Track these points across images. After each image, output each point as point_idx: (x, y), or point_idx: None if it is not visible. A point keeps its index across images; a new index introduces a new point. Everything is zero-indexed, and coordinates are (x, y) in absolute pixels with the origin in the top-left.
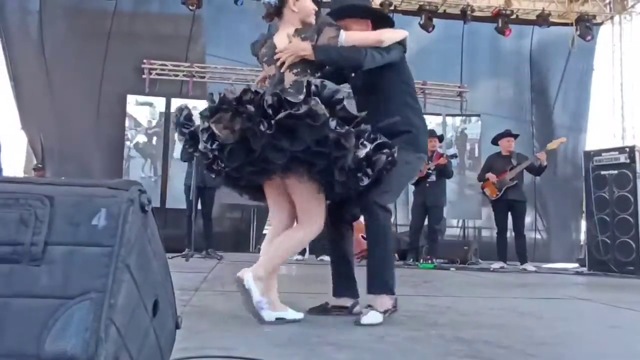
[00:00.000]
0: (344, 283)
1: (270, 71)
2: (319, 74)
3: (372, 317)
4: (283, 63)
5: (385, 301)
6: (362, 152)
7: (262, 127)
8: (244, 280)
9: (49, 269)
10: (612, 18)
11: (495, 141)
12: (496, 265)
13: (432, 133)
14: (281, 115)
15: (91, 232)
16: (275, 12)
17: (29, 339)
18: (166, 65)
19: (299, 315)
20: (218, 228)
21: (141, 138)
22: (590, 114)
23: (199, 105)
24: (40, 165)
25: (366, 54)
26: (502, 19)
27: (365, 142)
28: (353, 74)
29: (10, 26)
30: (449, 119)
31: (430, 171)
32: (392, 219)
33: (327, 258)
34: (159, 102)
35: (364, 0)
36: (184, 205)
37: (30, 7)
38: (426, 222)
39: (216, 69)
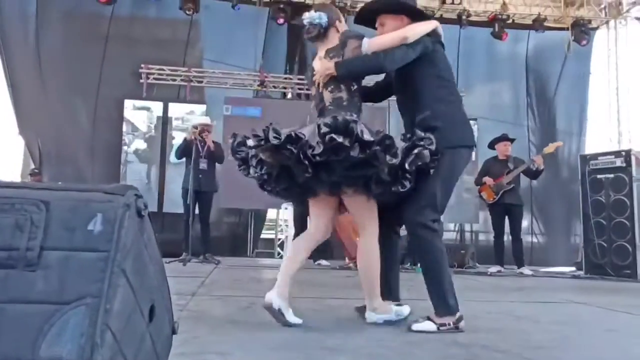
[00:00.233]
0: (385, 287)
1: (313, 92)
2: (355, 86)
3: (425, 325)
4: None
5: (445, 318)
6: (394, 162)
7: (302, 169)
8: (375, 321)
9: (45, 274)
10: (607, 23)
11: (492, 145)
12: (493, 269)
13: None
14: (316, 159)
15: (87, 237)
16: (324, 34)
17: (24, 344)
18: (164, 70)
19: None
20: (215, 232)
21: (139, 143)
22: (588, 117)
23: (196, 110)
24: (37, 170)
25: (385, 57)
26: (498, 24)
27: (396, 153)
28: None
29: (8, 30)
30: None
31: None
32: None
33: (324, 262)
34: (157, 107)
35: None
36: (181, 210)
37: (28, 11)
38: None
39: (214, 74)
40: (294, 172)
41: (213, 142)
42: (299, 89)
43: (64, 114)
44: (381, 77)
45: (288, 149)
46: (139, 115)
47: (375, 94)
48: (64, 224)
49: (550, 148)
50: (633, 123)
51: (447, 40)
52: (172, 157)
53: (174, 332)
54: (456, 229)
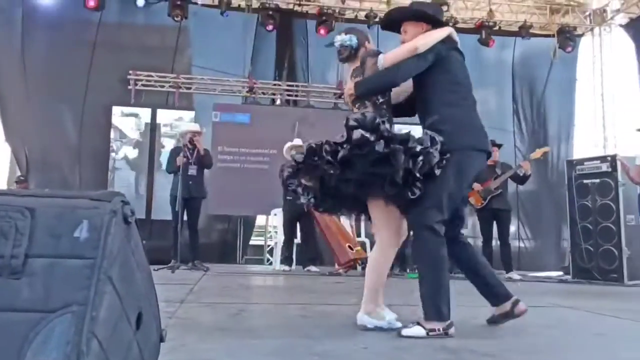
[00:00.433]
0: (489, 292)
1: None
2: (380, 100)
3: (414, 330)
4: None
5: (434, 324)
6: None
7: (330, 169)
8: (366, 324)
9: (30, 282)
10: (592, 30)
11: None
12: None
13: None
14: (340, 154)
15: (73, 244)
16: (354, 55)
17: (9, 353)
18: (152, 76)
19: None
20: (204, 239)
21: (127, 149)
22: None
23: (185, 116)
24: (22, 178)
25: (396, 71)
26: (485, 31)
27: (415, 159)
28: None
29: None
30: None
31: None
32: None
33: (314, 268)
34: (145, 113)
35: (428, 3)
36: (169, 217)
37: (14, 17)
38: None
39: (202, 80)
40: (327, 182)
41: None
42: (288, 95)
43: (50, 121)
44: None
45: (314, 161)
46: (127, 121)
47: (406, 108)
48: (49, 231)
49: (537, 154)
50: (618, 128)
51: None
52: (162, 164)
53: (161, 339)
54: None
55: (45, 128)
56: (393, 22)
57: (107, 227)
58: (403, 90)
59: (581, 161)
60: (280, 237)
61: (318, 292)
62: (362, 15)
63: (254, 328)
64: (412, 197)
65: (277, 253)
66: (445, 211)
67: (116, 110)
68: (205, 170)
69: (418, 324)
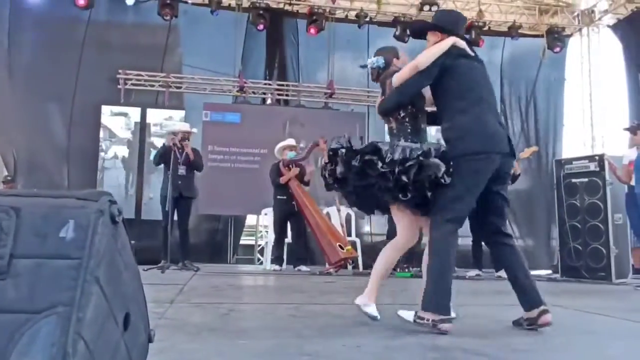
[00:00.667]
0: (521, 296)
1: None
2: (402, 114)
3: (407, 314)
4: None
5: (426, 314)
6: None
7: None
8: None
9: (15, 283)
10: (580, 30)
11: None
12: (472, 273)
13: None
14: (338, 171)
15: (59, 244)
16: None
17: None
18: (142, 76)
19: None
20: (194, 239)
21: (116, 149)
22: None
23: (175, 116)
24: (9, 178)
25: (399, 91)
26: (474, 31)
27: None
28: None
29: None
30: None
31: None
32: (368, 229)
33: (304, 268)
34: (134, 113)
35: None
36: (159, 217)
37: (1, 15)
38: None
39: (192, 80)
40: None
41: (192, 149)
42: (278, 94)
43: (38, 121)
44: None
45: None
46: (117, 121)
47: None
48: (35, 231)
49: (526, 153)
50: (606, 128)
51: (423, 47)
52: (151, 163)
53: (150, 340)
54: None
55: (33, 128)
56: (418, 32)
57: (94, 227)
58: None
59: (569, 160)
60: (271, 237)
61: (308, 291)
62: (352, 15)
63: (243, 328)
64: (403, 198)
65: (268, 253)
66: (453, 213)
67: (105, 109)
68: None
69: (416, 312)
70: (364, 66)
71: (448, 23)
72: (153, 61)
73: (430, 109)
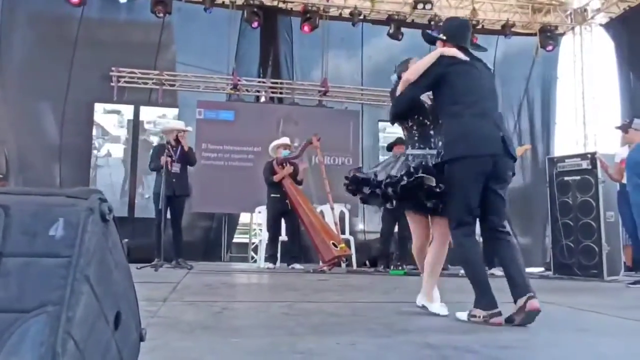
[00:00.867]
0: (512, 290)
1: None
2: (410, 123)
3: (461, 314)
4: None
5: (476, 311)
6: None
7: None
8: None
9: (4, 282)
10: (573, 29)
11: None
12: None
13: (400, 140)
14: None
15: (48, 242)
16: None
17: None
18: (135, 73)
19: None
20: (188, 237)
21: (109, 147)
22: (556, 121)
23: (168, 113)
24: (1, 176)
25: (397, 101)
26: None
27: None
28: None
29: None
30: None
31: None
32: (362, 227)
33: (298, 266)
34: (128, 110)
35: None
36: (153, 215)
37: None
38: (396, 229)
39: (186, 77)
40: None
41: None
42: (272, 92)
43: (30, 119)
44: None
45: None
46: (110, 119)
47: None
48: (24, 229)
49: (519, 151)
50: (599, 126)
51: (417, 46)
52: (145, 161)
53: (141, 339)
54: None
55: (25, 126)
56: (428, 41)
57: (84, 225)
58: None
59: (562, 158)
60: (265, 235)
61: (302, 289)
62: (346, 12)
63: (237, 326)
64: (389, 206)
65: (262, 251)
66: (456, 217)
67: (98, 107)
68: (189, 168)
69: (469, 310)
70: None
71: (449, 33)
72: (146, 59)
73: None
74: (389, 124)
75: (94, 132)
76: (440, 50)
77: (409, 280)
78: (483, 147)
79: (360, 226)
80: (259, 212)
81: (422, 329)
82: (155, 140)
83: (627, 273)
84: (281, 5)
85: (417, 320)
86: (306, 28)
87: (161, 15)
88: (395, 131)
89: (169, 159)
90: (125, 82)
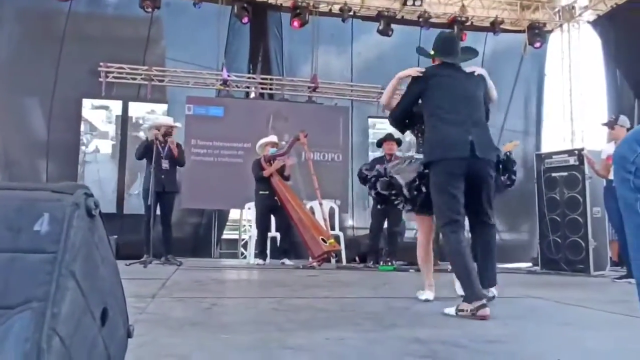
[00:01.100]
0: (480, 277)
1: None
2: (415, 131)
3: (449, 310)
4: None
5: (463, 305)
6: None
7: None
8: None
9: None
10: (561, 26)
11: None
12: None
13: (389, 137)
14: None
15: (33, 238)
16: None
17: None
18: (123, 69)
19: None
20: (177, 233)
21: (97, 142)
22: (544, 117)
23: (157, 109)
24: None
25: (392, 113)
26: (457, 26)
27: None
28: None
29: None
30: None
31: None
32: (351, 223)
33: (288, 262)
34: (116, 106)
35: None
36: (142, 211)
37: None
38: (386, 225)
39: (175, 73)
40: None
41: (177, 144)
42: (262, 88)
43: (17, 115)
44: None
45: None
46: (98, 114)
47: None
48: (8, 225)
49: (507, 147)
50: (586, 123)
51: (407, 42)
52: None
53: (129, 335)
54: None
55: (12, 122)
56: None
57: (69, 220)
58: None
59: (550, 155)
60: (254, 231)
61: (291, 285)
62: (336, 8)
63: (226, 322)
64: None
65: (251, 247)
66: (445, 212)
67: (86, 102)
68: None
69: (457, 305)
70: None
71: (436, 48)
72: (135, 54)
73: None
74: (378, 120)
75: (82, 127)
76: (398, 75)
77: (398, 275)
78: (453, 151)
79: (349, 222)
80: (249, 209)
81: (411, 324)
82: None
83: (613, 268)
84: (271, 0)
85: (406, 315)
86: (296, 24)
87: (149, 10)
88: (385, 127)
89: (157, 131)
90: (114, 77)
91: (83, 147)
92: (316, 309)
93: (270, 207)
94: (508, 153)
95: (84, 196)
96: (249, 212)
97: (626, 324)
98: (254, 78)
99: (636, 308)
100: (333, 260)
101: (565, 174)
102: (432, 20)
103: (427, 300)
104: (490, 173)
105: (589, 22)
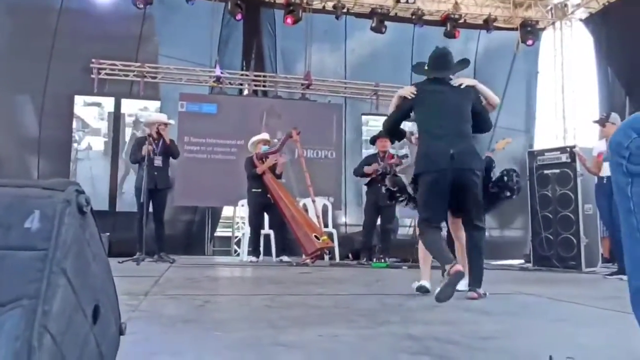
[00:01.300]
0: (469, 276)
1: None
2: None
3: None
4: None
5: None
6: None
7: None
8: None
9: None
10: (553, 24)
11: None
12: None
13: (382, 134)
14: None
15: (24, 235)
16: None
17: None
18: (116, 65)
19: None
20: (170, 231)
21: (90, 139)
22: (536, 115)
23: (150, 106)
24: None
25: (385, 122)
26: (450, 23)
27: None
28: None
29: None
30: None
31: (378, 172)
32: (344, 220)
33: (286, 258)
34: (108, 103)
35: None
36: (134, 208)
37: None
38: (379, 222)
39: (168, 70)
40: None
41: (170, 141)
42: (255, 85)
43: (8, 112)
44: None
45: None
46: (90, 111)
47: None
48: None
49: (500, 144)
50: (578, 120)
51: (400, 40)
52: (126, 154)
53: (121, 332)
54: (411, 224)
55: (3, 119)
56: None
57: (60, 217)
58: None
59: (542, 152)
60: (247, 229)
61: (285, 282)
62: (329, 5)
63: (218, 319)
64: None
65: (245, 244)
66: (425, 213)
67: (78, 99)
68: (172, 161)
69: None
70: None
71: (429, 65)
72: (127, 50)
73: None
74: (372, 117)
75: (74, 124)
76: (398, 93)
77: (391, 272)
78: (435, 164)
79: (342, 219)
80: (242, 206)
81: (404, 321)
82: (137, 133)
83: (604, 264)
84: None
85: (399, 312)
86: (289, 20)
87: (142, 6)
88: (378, 125)
89: (150, 148)
90: (106, 74)
91: (75, 144)
92: (309, 306)
93: (264, 204)
94: (488, 156)
95: (75, 193)
96: (242, 209)
97: (617, 320)
98: (247, 75)
99: (627, 304)
100: (326, 257)
101: (557, 171)
102: (426, 17)
103: (421, 288)
104: (474, 180)
105: (581, 19)
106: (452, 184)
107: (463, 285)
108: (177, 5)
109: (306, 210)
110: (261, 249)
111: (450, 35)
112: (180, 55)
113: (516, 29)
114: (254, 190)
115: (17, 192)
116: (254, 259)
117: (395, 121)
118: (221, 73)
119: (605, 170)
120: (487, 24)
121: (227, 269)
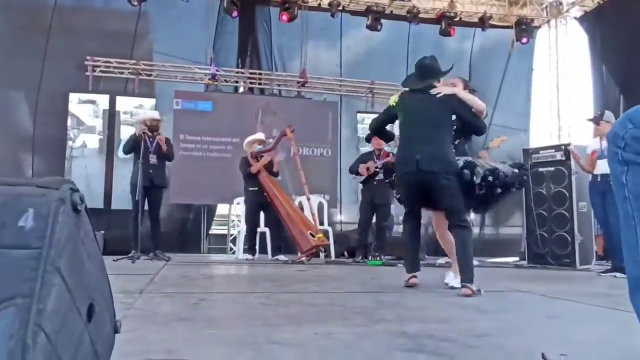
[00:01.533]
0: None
1: None
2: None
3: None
4: None
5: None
6: None
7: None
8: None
9: None
10: (548, 22)
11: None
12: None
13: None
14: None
15: (18, 233)
16: None
17: None
18: (111, 63)
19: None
20: (166, 229)
21: (84, 137)
22: (531, 113)
23: (145, 104)
24: None
25: (371, 123)
26: (445, 21)
27: None
28: None
29: None
30: None
31: (377, 169)
32: (339, 218)
33: (282, 257)
34: (103, 100)
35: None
36: (130, 206)
37: None
38: (374, 220)
39: (163, 67)
40: None
41: (165, 139)
42: (251, 83)
43: (2, 109)
44: None
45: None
46: (85, 109)
47: None
48: None
49: (495, 142)
50: (572, 118)
51: (395, 38)
52: (120, 152)
53: (116, 331)
54: None
55: None
56: None
57: (55, 216)
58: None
59: (537, 150)
60: (243, 227)
61: (280, 280)
62: (325, 3)
63: (213, 317)
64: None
65: (240, 242)
66: (404, 207)
67: (73, 97)
68: None
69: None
70: None
71: (412, 74)
72: (122, 48)
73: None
74: (367, 115)
75: (69, 122)
76: (390, 102)
77: (386, 270)
78: (403, 168)
79: (338, 217)
80: (238, 204)
81: (398, 318)
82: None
83: (598, 262)
84: None
85: (394, 310)
86: (285, 18)
87: (136, 3)
88: None
89: (145, 127)
90: (101, 71)
91: (70, 142)
92: (305, 304)
93: (260, 203)
94: (468, 160)
95: (70, 191)
96: (238, 207)
97: (611, 317)
98: (242, 73)
99: (621, 301)
100: (322, 255)
101: (552, 169)
102: (421, 15)
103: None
104: (440, 182)
105: (576, 18)
106: (420, 185)
107: (456, 282)
108: (172, 2)
109: (301, 208)
110: (257, 247)
111: (445, 33)
112: (175, 53)
113: (511, 27)
114: (250, 189)
115: (10, 191)
116: (249, 256)
117: (378, 123)
118: (216, 70)
119: (599, 168)
120: (483, 22)
121: (223, 266)
